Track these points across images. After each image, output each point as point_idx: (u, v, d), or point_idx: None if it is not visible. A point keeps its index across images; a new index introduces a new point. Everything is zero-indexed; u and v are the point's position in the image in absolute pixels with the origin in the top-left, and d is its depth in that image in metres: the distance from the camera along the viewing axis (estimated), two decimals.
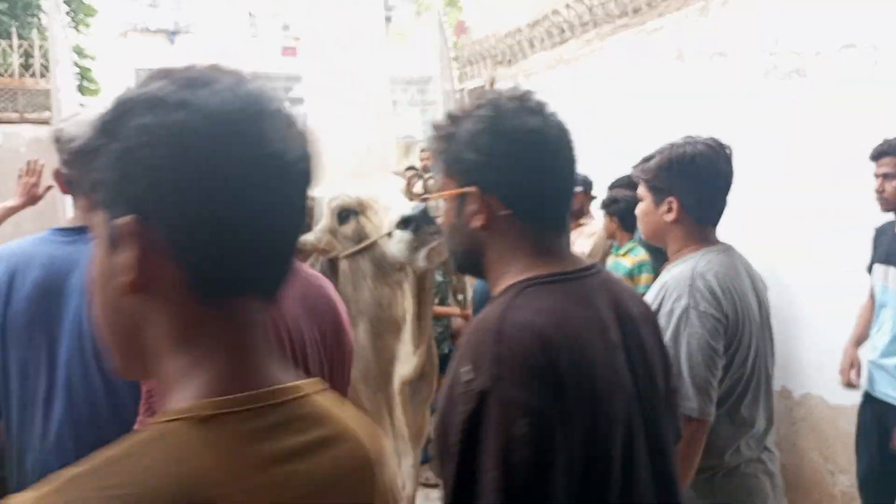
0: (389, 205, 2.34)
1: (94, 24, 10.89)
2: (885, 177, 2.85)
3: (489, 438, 0.97)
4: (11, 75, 5.33)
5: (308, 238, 2.53)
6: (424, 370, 2.72)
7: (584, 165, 4.82)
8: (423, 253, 2.25)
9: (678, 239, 1.95)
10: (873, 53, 3.26)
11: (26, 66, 5.60)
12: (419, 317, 2.51)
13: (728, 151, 1.92)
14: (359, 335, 2.52)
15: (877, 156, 2.89)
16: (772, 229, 3.57)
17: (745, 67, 3.91)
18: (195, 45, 18.70)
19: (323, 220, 2.51)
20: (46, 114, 5.23)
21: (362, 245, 2.40)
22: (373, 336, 2.54)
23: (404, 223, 2.25)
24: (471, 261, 1.22)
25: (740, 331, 1.82)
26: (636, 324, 1.18)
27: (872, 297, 3.07)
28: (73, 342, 1.63)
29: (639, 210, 2.02)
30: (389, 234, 2.29)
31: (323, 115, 19.95)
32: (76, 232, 1.73)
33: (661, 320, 1.77)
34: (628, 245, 3.99)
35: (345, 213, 2.43)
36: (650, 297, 1.87)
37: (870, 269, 3.04)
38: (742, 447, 1.88)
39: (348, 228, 2.43)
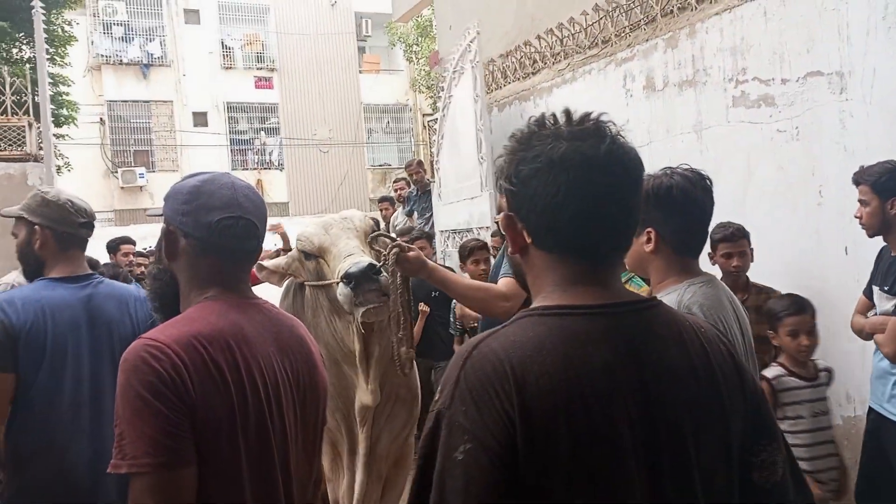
0: (342, 255, 2.51)
1: (69, 54, 10.86)
2: (861, 203, 2.87)
3: (438, 458, 0.98)
4: None
5: (278, 262, 2.78)
6: (400, 396, 2.85)
7: None
8: (360, 311, 2.43)
9: (659, 270, 1.95)
10: (839, 81, 3.34)
11: (19, 105, 5.55)
12: (366, 357, 2.65)
13: (707, 182, 1.92)
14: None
15: (854, 183, 2.90)
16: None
17: (713, 96, 3.98)
18: (168, 77, 18.66)
19: (293, 251, 2.77)
20: (20, 150, 5.19)
21: (320, 283, 2.62)
22: (329, 361, 2.67)
23: (346, 279, 2.40)
24: (523, 284, 1.23)
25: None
26: (669, 373, 1.06)
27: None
28: (96, 364, 2.18)
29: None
30: (338, 283, 2.47)
31: (298, 144, 19.86)
32: (69, 281, 2.24)
33: None
34: (627, 275, 4.00)
35: (306, 254, 2.65)
36: None
37: (868, 292, 3.01)
38: None
39: (311, 265, 2.65)
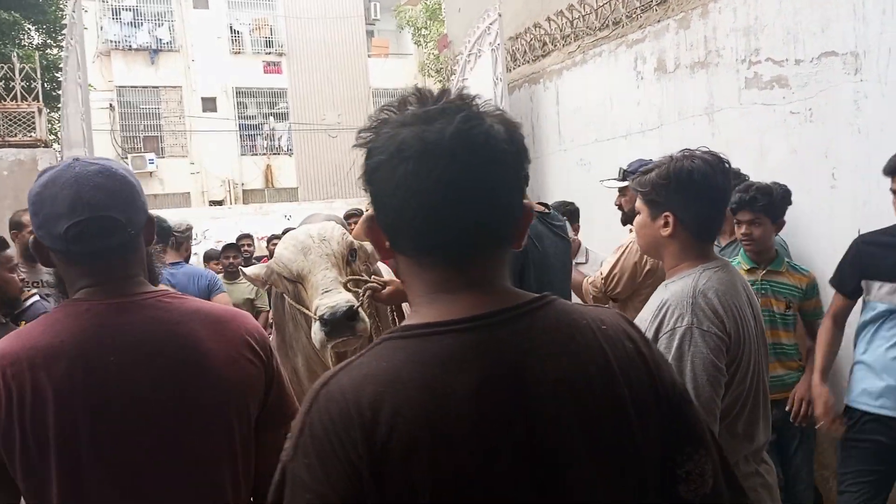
0: (320, 289, 2.42)
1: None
2: (894, 193, 2.62)
3: None
4: None
5: (258, 272, 2.67)
6: None
7: (570, 178, 4.81)
8: (330, 344, 2.35)
9: (675, 254, 1.93)
10: (854, 61, 3.29)
11: (8, 90, 5.56)
12: None
13: (727, 165, 1.88)
14: (298, 365, 2.73)
15: (889, 173, 2.62)
16: None
17: (725, 78, 3.93)
18: (177, 62, 18.65)
19: (270, 264, 2.65)
20: (30, 136, 5.20)
21: (298, 308, 2.54)
22: (308, 371, 2.70)
23: (322, 323, 2.33)
24: None
25: (741, 348, 1.80)
26: (555, 388, 0.90)
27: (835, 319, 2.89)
28: None
29: (636, 223, 2.01)
30: (314, 319, 2.40)
31: (307, 129, 19.84)
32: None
33: (662, 339, 1.75)
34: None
35: (285, 278, 2.56)
36: (647, 314, 1.86)
37: (850, 288, 2.82)
38: (741, 463, 1.85)
39: (290, 286, 2.57)
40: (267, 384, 1.44)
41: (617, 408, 0.92)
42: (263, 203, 17.61)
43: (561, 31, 4.99)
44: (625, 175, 3.35)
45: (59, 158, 5.50)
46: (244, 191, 19.34)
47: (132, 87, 18.48)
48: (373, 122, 0.94)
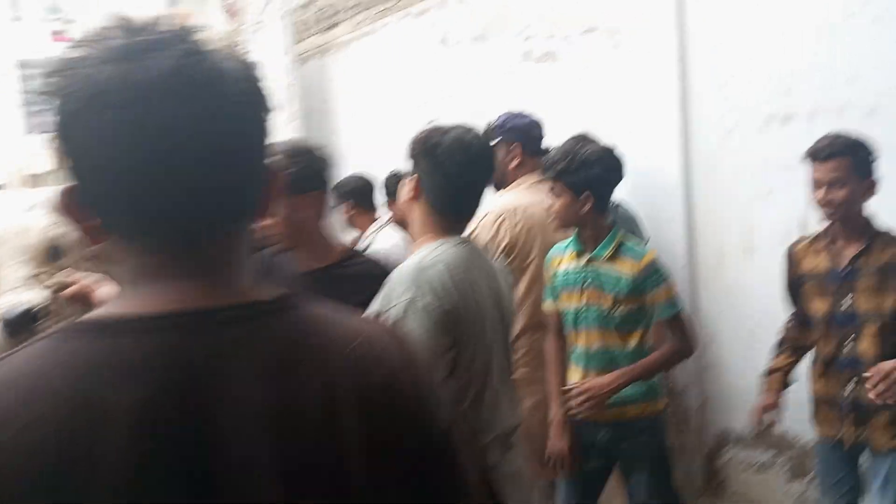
0: (5, 286, 2.18)
1: None
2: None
3: None
4: None
5: None
6: None
7: (360, 153, 4.68)
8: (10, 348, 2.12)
9: (417, 222, 1.93)
10: (612, 37, 3.46)
11: None
12: None
13: (487, 146, 1.94)
14: None
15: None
16: None
17: (503, 51, 4.01)
18: None
19: None
20: None
21: None
22: None
23: (4, 323, 2.12)
24: None
25: (469, 329, 1.78)
26: (244, 417, 0.69)
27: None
28: None
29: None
30: None
31: None
32: None
33: (388, 316, 1.71)
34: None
35: None
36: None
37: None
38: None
39: None
40: None
41: (335, 448, 0.72)
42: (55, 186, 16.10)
43: (347, 0, 4.88)
44: (489, 132, 2.97)
45: None
46: (30, 174, 17.61)
47: None
48: (64, 61, 0.70)
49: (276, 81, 5.20)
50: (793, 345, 2.53)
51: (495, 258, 2.67)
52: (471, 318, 1.78)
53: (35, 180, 17.23)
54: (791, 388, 2.54)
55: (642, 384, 2.41)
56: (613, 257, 2.38)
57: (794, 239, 2.54)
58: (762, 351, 2.65)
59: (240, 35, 5.52)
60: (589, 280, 2.41)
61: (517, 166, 2.97)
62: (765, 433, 2.90)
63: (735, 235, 3.08)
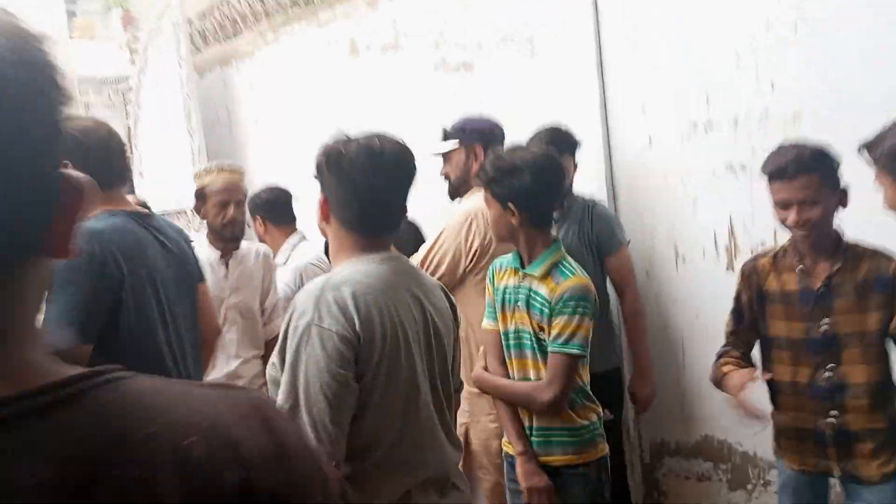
0: None
1: None
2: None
3: None
4: None
5: None
6: None
7: (268, 166, 4.41)
8: None
9: (333, 242, 1.76)
10: (529, 46, 3.35)
11: None
12: None
13: (400, 156, 1.71)
14: None
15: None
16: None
17: (415, 61, 3.85)
18: None
19: None
20: None
21: None
22: None
23: None
24: None
25: (382, 359, 1.57)
26: None
27: None
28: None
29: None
30: None
31: None
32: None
33: (288, 342, 1.57)
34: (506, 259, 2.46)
35: None
36: None
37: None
38: (415, 496, 1.63)
39: None
40: None
41: None
42: None
43: (251, 7, 4.63)
44: (447, 135, 2.87)
45: None
46: None
47: None
48: None
49: (174, 92, 4.89)
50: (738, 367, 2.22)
51: (466, 263, 2.57)
52: (384, 347, 1.56)
53: None
54: (726, 398, 2.43)
55: (566, 431, 2.15)
56: (545, 276, 2.13)
57: (721, 247, 2.47)
58: (693, 360, 2.58)
59: (136, 45, 5.19)
60: (521, 300, 2.17)
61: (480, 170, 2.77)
62: (704, 443, 2.82)
63: (663, 245, 3.00)
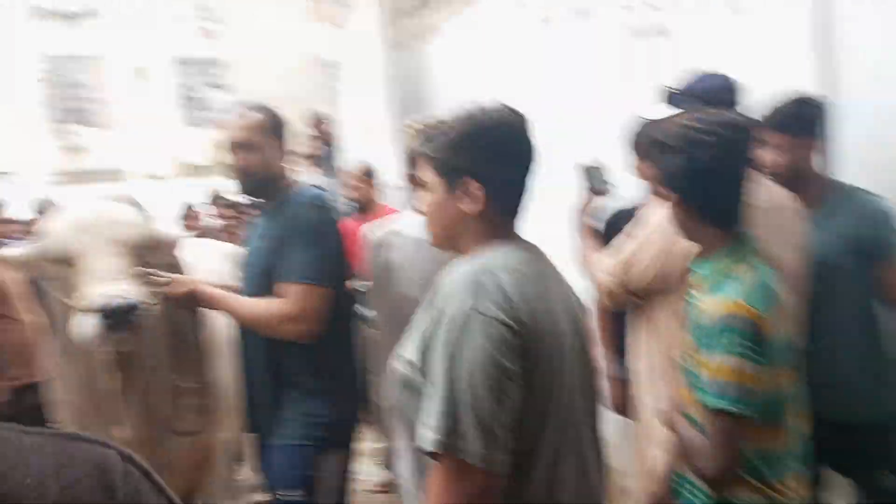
0: (97, 276, 2.03)
1: None
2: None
3: None
4: None
5: (18, 253, 2.22)
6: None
7: None
8: (99, 342, 2.01)
9: (474, 235, 1.46)
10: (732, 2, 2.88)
11: None
12: (123, 391, 2.22)
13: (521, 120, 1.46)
14: (78, 367, 2.26)
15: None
16: None
17: (606, 26, 3.52)
18: (102, 29, 17.83)
19: (38, 242, 2.18)
20: None
21: (56, 297, 2.16)
22: (88, 376, 2.24)
23: (103, 314, 1.97)
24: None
25: (542, 353, 1.31)
26: None
27: None
28: None
29: (428, 202, 1.51)
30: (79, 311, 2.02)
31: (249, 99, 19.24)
32: None
33: (438, 336, 1.28)
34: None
35: (56, 258, 2.12)
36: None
37: None
38: None
39: (59, 271, 2.12)
40: None
41: None
42: (207, 177, 17.00)
43: None
44: (672, 99, 2.29)
45: None
46: (185, 165, 18.67)
47: (61, 56, 17.75)
48: None
49: (373, 69, 4.95)
50: None
51: (677, 268, 1.95)
52: (544, 346, 1.31)
53: (195, 171, 18.37)
54: None
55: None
56: (716, 287, 1.62)
57: None
58: None
59: (334, 22, 5.32)
60: (688, 309, 1.71)
61: None
62: None
63: None
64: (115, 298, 1.96)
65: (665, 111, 2.25)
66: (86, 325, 1.98)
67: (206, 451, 2.56)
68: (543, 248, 1.49)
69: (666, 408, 1.84)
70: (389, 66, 4.80)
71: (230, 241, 5.03)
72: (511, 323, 1.26)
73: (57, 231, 2.12)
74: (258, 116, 2.36)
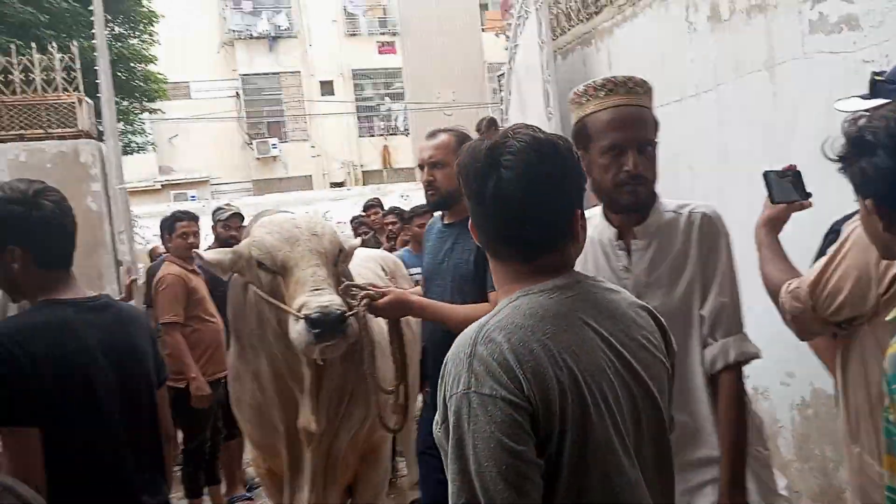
0: (308, 286, 2.20)
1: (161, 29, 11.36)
2: None
3: None
4: (35, 90, 5.35)
5: (219, 257, 2.41)
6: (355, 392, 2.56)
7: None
8: (317, 349, 2.16)
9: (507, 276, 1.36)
10: None
11: (69, 81, 5.63)
12: (316, 387, 2.40)
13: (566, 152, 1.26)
14: (261, 367, 2.48)
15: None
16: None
17: (786, 22, 3.21)
18: (295, 48, 19.02)
19: (241, 249, 2.39)
20: (71, 128, 5.28)
21: (272, 302, 2.29)
22: (273, 373, 2.46)
23: (311, 324, 2.11)
24: None
25: (564, 423, 1.15)
26: None
27: None
28: None
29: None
30: (296, 318, 2.17)
31: (423, 109, 19.80)
32: None
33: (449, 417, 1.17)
34: None
35: (263, 266, 2.33)
36: None
37: None
38: None
39: (265, 277, 2.33)
40: None
41: None
42: (382, 184, 17.70)
43: None
44: (875, 90, 1.90)
45: (102, 150, 5.53)
46: (363, 172, 19.54)
47: (254, 74, 19.10)
48: None
49: (536, 75, 4.88)
50: None
51: (878, 290, 1.62)
52: (565, 409, 1.15)
53: (366, 177, 19.51)
54: None
55: None
56: None
57: None
58: None
59: (508, 30, 5.30)
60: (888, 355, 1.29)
61: None
62: None
63: None
64: (331, 309, 2.10)
65: (867, 103, 1.86)
66: (302, 334, 2.12)
67: (374, 446, 2.69)
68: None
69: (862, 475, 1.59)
70: (555, 71, 4.71)
71: (386, 247, 5.19)
72: (515, 398, 1.11)
73: (265, 240, 2.30)
74: (447, 137, 2.50)
